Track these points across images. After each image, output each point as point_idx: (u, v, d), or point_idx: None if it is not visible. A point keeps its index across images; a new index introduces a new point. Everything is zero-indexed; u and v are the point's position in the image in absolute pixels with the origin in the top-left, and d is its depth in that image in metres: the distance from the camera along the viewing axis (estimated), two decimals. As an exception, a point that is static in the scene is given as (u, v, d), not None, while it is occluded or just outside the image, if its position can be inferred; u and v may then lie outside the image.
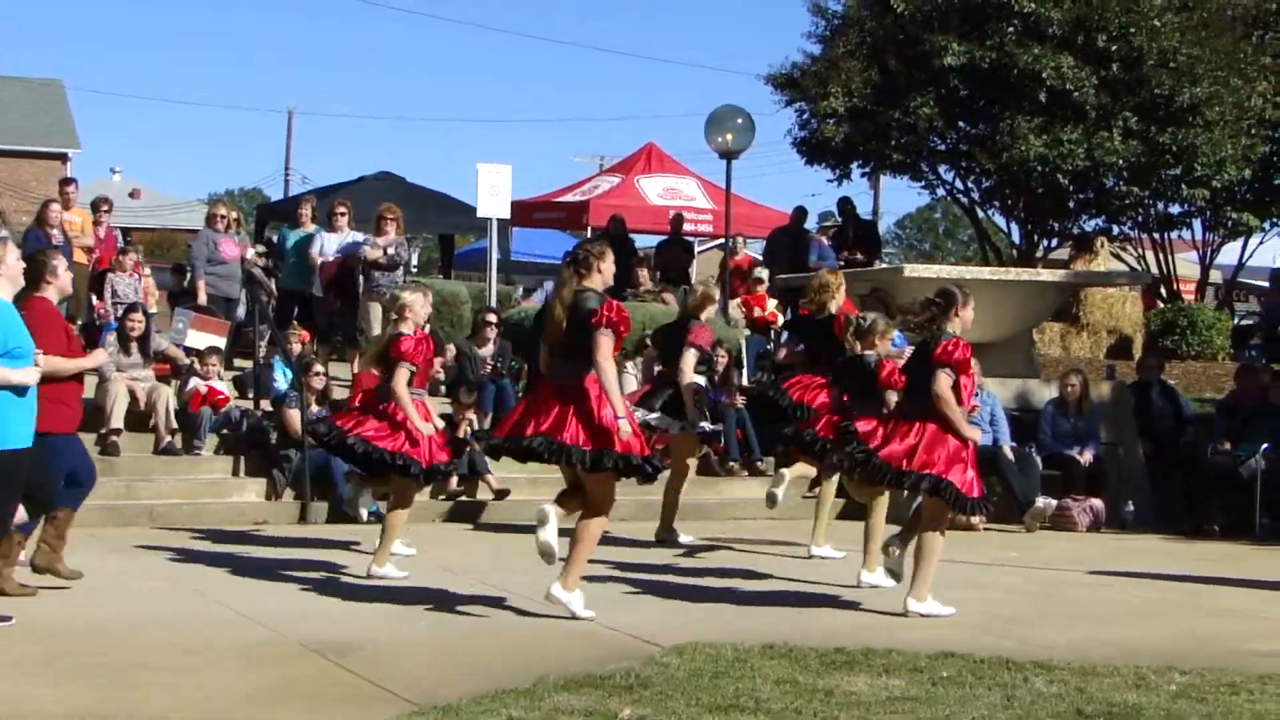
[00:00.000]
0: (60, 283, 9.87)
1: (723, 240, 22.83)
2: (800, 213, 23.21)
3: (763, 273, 19.94)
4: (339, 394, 15.22)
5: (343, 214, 17.82)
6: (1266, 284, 25.62)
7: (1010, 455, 15.18)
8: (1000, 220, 26.07)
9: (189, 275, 19.79)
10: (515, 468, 15.50)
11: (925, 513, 10.06)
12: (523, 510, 14.72)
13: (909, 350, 15.21)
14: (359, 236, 17.66)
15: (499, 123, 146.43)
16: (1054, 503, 14.90)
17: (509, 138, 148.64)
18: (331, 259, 17.51)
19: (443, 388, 16.27)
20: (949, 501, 9.76)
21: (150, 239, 46.76)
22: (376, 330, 16.90)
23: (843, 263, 21.28)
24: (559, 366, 9.49)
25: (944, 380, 9.68)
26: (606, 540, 12.85)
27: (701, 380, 13.46)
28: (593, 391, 9.28)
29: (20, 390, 8.69)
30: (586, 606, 9.43)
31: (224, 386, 15.50)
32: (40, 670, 7.79)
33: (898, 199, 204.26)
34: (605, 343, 9.28)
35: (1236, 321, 24.73)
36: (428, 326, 11.73)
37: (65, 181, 20.66)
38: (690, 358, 12.84)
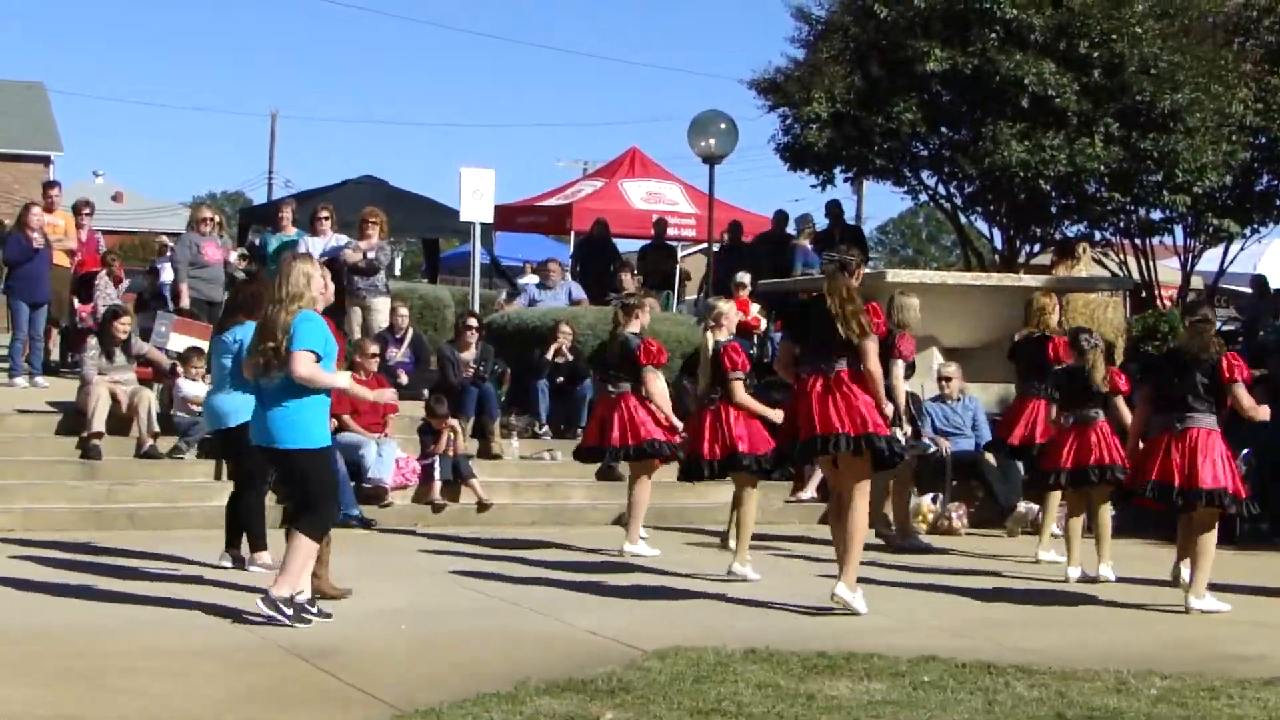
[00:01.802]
0: (327, 294, 10.08)
1: (705, 244, 22.81)
2: (781, 216, 23.17)
3: (744, 277, 19.94)
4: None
5: (325, 218, 17.77)
6: (1249, 289, 25.69)
7: (992, 460, 15.23)
8: (983, 225, 26.07)
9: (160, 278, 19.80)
10: (497, 473, 15.56)
11: (1199, 518, 10.77)
12: (505, 515, 14.73)
13: None
14: (343, 240, 17.63)
15: (482, 127, 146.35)
16: (1035, 508, 14.93)
17: (492, 142, 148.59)
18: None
19: (425, 392, 16.26)
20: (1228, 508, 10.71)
21: (129, 243, 46.61)
22: (356, 334, 16.88)
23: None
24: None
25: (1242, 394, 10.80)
26: (591, 545, 12.90)
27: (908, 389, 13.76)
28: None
29: (325, 393, 9.33)
30: (564, 609, 9.48)
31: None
32: (20, 673, 7.77)
33: (881, 204, 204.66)
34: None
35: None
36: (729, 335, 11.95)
37: (48, 185, 20.61)
38: (899, 369, 12.97)
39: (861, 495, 10.09)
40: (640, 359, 12.76)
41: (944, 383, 15.63)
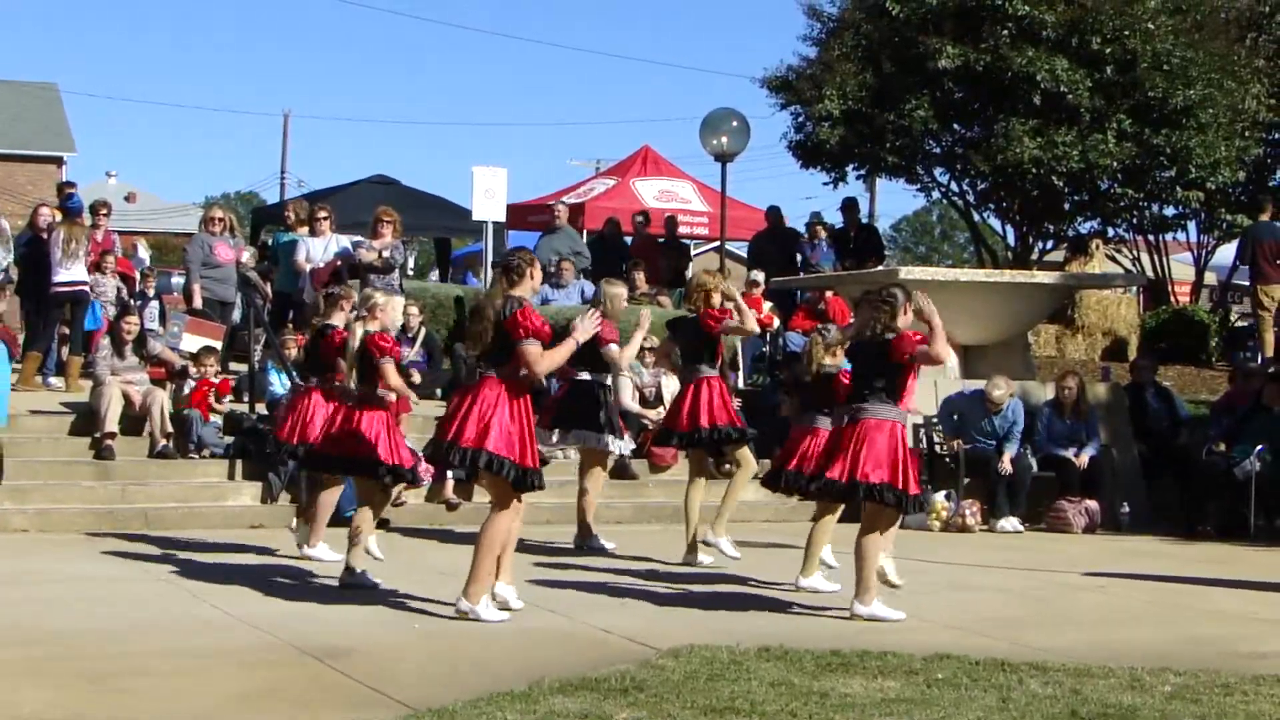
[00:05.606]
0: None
1: (718, 243, 22.79)
2: (775, 212, 22.96)
3: (758, 275, 19.92)
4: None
5: (324, 218, 17.73)
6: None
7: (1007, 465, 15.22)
8: (996, 223, 26.09)
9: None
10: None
11: (862, 515, 10.00)
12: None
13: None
14: (344, 240, 17.61)
15: (494, 126, 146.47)
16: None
17: (504, 141, 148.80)
18: (322, 264, 17.42)
19: (438, 391, 16.27)
20: (886, 504, 9.71)
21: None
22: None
23: (849, 263, 21.20)
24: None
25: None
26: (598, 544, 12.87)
27: None
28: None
29: None
30: (578, 607, 9.49)
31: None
32: (32, 673, 7.77)
33: (894, 202, 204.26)
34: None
35: (1232, 323, 24.71)
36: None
37: (62, 185, 20.62)
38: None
39: (494, 509, 9.55)
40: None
41: (989, 404, 15.47)
